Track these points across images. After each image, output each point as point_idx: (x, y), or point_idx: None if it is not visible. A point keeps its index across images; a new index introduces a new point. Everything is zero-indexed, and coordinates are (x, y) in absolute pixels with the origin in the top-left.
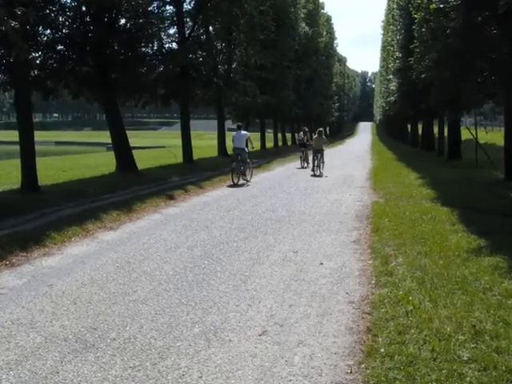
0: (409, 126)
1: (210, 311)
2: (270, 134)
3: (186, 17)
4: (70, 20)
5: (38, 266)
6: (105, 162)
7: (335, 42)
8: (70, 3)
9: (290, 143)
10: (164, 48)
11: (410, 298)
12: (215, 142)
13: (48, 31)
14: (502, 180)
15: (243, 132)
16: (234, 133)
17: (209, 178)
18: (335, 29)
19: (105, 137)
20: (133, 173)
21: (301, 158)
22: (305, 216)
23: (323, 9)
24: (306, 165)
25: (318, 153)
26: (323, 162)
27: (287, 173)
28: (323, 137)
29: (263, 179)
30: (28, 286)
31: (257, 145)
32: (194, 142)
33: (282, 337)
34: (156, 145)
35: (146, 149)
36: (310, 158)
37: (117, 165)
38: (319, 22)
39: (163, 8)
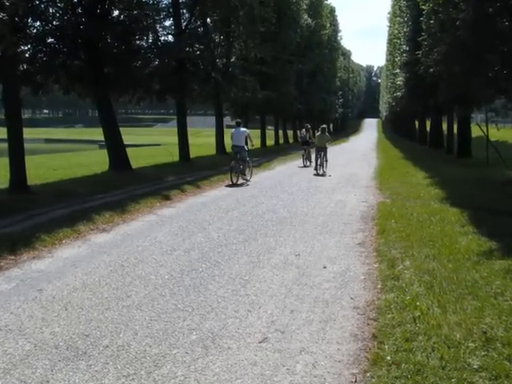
0: (416, 123)
1: (208, 317)
2: (270, 132)
3: (182, 8)
4: (61, 11)
5: (27, 269)
6: (97, 161)
7: (339, 34)
8: None
9: (291, 141)
10: (159, 41)
11: (418, 304)
12: (213, 140)
13: (38, 23)
14: None
15: (242, 129)
16: (233, 130)
17: (206, 178)
18: (339, 21)
19: (97, 134)
20: (127, 172)
21: (303, 156)
22: (307, 217)
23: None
24: (308, 163)
25: (321, 151)
26: (326, 161)
27: (289, 172)
28: (326, 134)
29: (263, 178)
30: (17, 291)
31: (257, 142)
32: (190, 140)
33: (284, 344)
34: (151, 142)
35: (141, 147)
36: (313, 157)
37: (110, 163)
38: (322, 14)
39: None
